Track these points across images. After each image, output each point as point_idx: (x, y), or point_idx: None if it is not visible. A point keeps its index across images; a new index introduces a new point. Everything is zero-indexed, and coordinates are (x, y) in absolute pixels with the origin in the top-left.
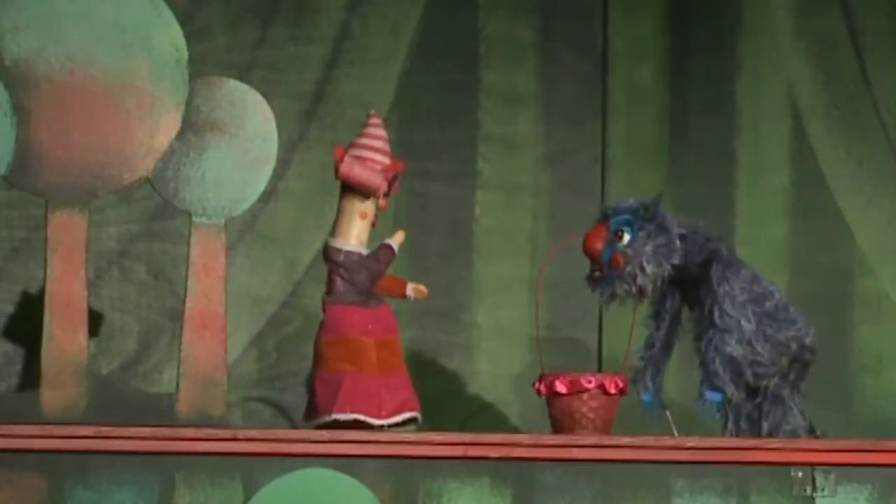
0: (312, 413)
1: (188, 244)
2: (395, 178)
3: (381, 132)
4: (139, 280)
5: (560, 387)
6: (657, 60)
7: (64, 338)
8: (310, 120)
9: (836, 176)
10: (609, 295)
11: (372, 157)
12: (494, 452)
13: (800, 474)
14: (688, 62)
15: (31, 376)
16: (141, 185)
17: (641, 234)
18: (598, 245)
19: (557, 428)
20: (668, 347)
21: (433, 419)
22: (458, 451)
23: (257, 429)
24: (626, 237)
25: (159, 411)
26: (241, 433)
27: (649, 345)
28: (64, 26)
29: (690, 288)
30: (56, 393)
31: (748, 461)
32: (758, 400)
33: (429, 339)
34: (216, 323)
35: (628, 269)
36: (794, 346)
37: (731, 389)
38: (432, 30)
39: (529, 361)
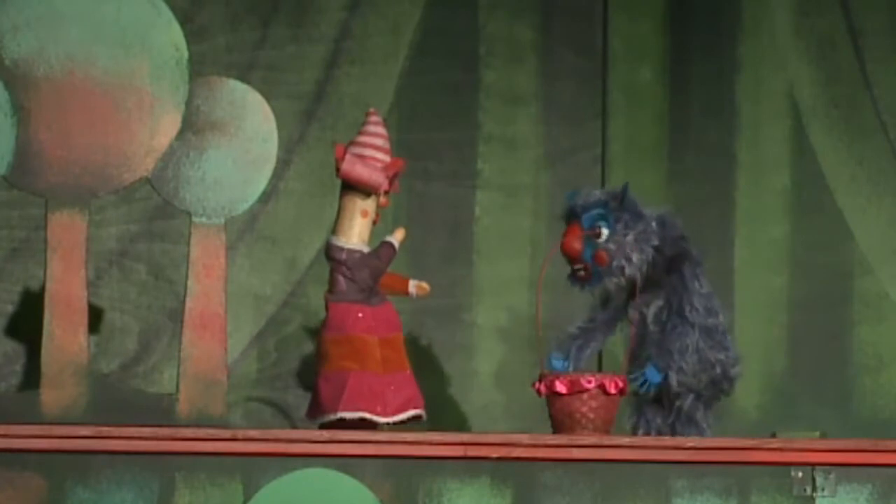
0: (317, 411)
1: (188, 244)
2: (395, 175)
3: (381, 130)
4: (139, 280)
5: (560, 387)
6: (657, 60)
7: (64, 338)
8: (310, 120)
9: (836, 176)
10: (601, 291)
11: (373, 154)
12: (494, 452)
13: (800, 474)
14: (688, 62)
15: (31, 376)
16: (141, 185)
17: (619, 226)
18: (577, 245)
19: (557, 428)
20: (606, 331)
21: (433, 419)
22: (458, 451)
23: (257, 429)
24: (605, 231)
25: (159, 411)
26: (241, 433)
27: (591, 319)
28: (64, 26)
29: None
30: (56, 393)
31: (748, 461)
32: (670, 420)
33: (429, 339)
34: (216, 323)
35: (615, 263)
36: (718, 369)
37: (675, 378)
38: (432, 30)
39: (529, 361)
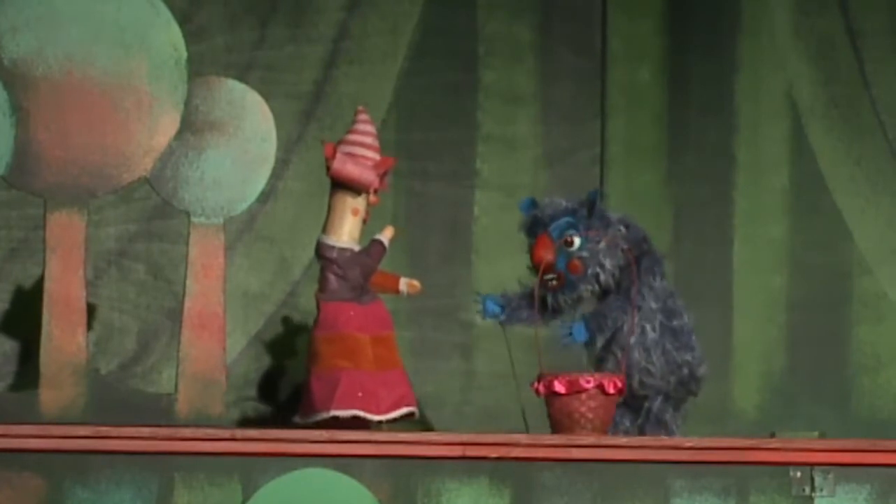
0: (309, 410)
1: (187, 244)
2: (385, 173)
3: (371, 128)
4: (138, 280)
5: (559, 387)
6: (657, 60)
7: (63, 338)
8: (308, 120)
9: (835, 176)
10: (576, 298)
11: (363, 153)
12: (493, 452)
13: (798, 474)
14: (687, 62)
15: (29, 376)
16: (140, 185)
17: (591, 234)
18: (549, 255)
19: (556, 428)
20: (556, 309)
21: (432, 419)
22: (457, 451)
23: (256, 429)
24: (577, 240)
25: (158, 411)
26: (239, 433)
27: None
28: (63, 26)
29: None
30: (55, 393)
31: (747, 461)
32: (639, 422)
33: (428, 338)
34: (215, 323)
35: (589, 271)
36: (685, 370)
37: (601, 339)
38: (432, 30)
39: (529, 361)
